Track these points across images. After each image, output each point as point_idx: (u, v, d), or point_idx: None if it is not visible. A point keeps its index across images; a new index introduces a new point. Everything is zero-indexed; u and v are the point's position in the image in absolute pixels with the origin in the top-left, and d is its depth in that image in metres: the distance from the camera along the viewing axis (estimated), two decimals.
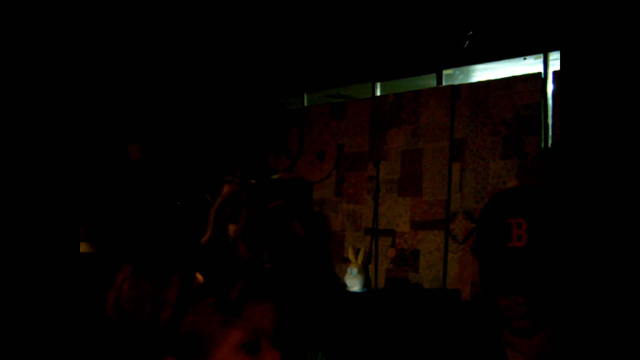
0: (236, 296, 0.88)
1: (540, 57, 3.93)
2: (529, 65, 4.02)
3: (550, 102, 3.84)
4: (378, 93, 4.80)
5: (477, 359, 1.47)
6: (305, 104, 5.27)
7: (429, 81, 4.51)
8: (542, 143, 3.82)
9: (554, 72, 3.83)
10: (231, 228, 3.24)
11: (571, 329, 1.37)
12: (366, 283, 4.49)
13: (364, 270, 4.51)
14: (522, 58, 4.03)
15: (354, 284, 4.46)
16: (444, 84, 4.39)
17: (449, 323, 1.56)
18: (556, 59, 3.82)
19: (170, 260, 0.90)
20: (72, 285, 1.32)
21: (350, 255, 4.58)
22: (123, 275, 0.88)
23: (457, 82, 4.36)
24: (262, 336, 0.88)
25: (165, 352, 0.86)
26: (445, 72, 4.43)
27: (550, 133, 3.82)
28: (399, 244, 4.42)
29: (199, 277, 0.86)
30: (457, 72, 4.48)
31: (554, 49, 3.81)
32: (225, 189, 2.00)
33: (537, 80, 3.88)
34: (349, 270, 4.50)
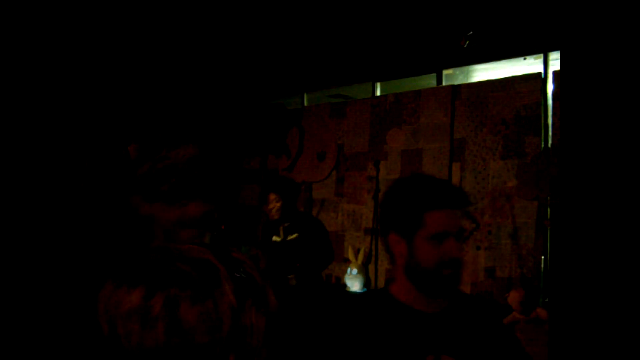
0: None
1: (540, 57, 3.93)
2: (529, 65, 4.02)
3: (550, 102, 3.84)
4: (378, 93, 4.79)
5: (477, 356, 1.48)
6: (305, 104, 5.27)
7: (429, 81, 4.51)
8: (542, 143, 3.82)
9: (554, 72, 3.82)
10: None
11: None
12: (366, 283, 4.49)
13: (364, 270, 4.50)
14: (522, 58, 4.03)
15: (354, 284, 4.46)
16: (444, 84, 4.39)
17: (448, 322, 1.56)
18: (556, 59, 3.81)
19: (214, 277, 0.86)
20: (68, 287, 1.30)
21: (350, 255, 4.58)
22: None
23: (457, 82, 4.36)
24: None
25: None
26: (445, 72, 4.43)
27: (550, 133, 3.82)
28: None
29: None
30: (457, 72, 4.47)
31: (554, 49, 3.81)
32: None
33: (537, 80, 3.87)
34: (349, 270, 4.50)
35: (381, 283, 4.45)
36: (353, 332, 1.46)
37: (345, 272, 4.54)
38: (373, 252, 4.51)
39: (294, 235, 3.61)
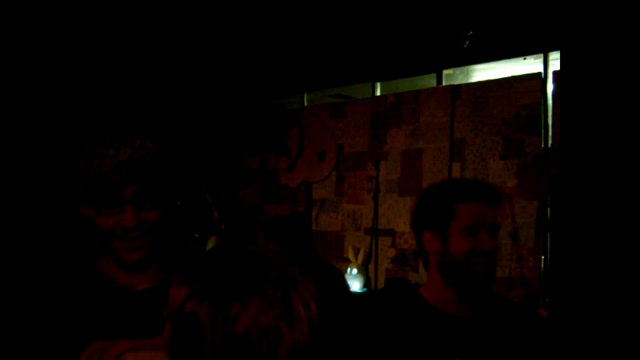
0: None
1: (540, 57, 3.93)
2: (529, 65, 4.02)
3: (550, 102, 3.83)
4: (378, 93, 4.79)
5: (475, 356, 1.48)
6: (305, 104, 5.27)
7: (429, 81, 4.51)
8: (542, 143, 3.82)
9: (554, 72, 3.82)
10: None
11: None
12: (366, 283, 4.49)
13: (363, 270, 4.51)
14: (522, 58, 4.02)
15: (353, 283, 4.46)
16: (444, 84, 4.39)
17: (477, 326, 1.56)
18: (556, 59, 3.81)
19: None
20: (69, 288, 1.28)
21: (350, 255, 4.58)
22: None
23: (457, 82, 4.36)
24: None
25: None
26: (445, 72, 4.43)
27: (550, 133, 3.81)
28: (398, 244, 4.42)
29: None
30: (457, 72, 4.47)
31: (554, 49, 3.81)
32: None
33: (537, 80, 3.87)
34: (348, 270, 4.50)
35: (381, 283, 4.46)
36: (378, 331, 1.47)
37: (345, 272, 4.54)
38: (373, 252, 4.51)
39: None
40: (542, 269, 3.72)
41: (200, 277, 0.81)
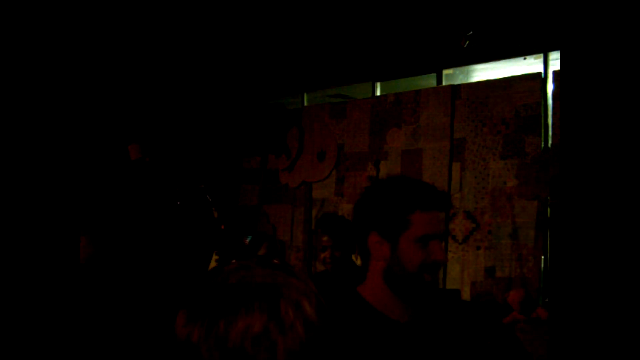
0: None
1: (540, 57, 3.93)
2: (529, 65, 4.02)
3: (550, 102, 3.84)
4: (378, 93, 4.79)
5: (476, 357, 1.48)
6: (305, 104, 5.27)
7: (429, 81, 4.51)
8: (542, 143, 3.82)
9: (554, 72, 3.82)
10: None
11: None
12: None
13: None
14: (522, 58, 4.02)
15: None
16: (444, 84, 4.39)
17: (449, 322, 1.55)
18: (556, 59, 3.81)
19: None
20: (71, 289, 1.28)
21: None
22: None
23: (457, 82, 4.36)
24: None
25: None
26: (445, 72, 4.43)
27: (550, 133, 3.82)
28: None
29: None
30: (457, 72, 4.47)
31: (554, 49, 3.81)
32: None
33: (537, 80, 3.87)
34: None
35: None
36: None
37: None
38: None
39: None
40: (542, 269, 3.72)
41: (191, 302, 0.85)
